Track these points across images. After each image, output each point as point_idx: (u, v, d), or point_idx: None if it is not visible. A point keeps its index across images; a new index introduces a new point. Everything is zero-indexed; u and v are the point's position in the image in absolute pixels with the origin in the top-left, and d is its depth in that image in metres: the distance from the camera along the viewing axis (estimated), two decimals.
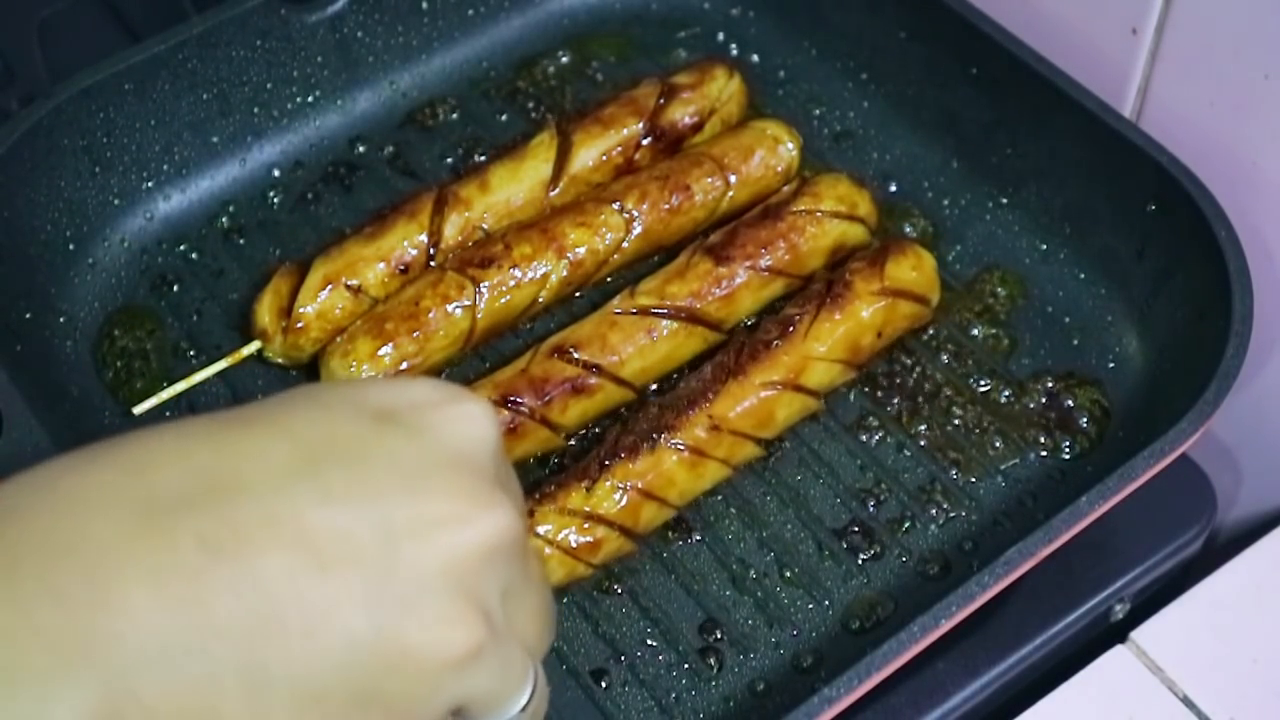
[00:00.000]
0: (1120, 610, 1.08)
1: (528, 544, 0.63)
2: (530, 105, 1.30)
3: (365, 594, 0.55)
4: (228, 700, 0.53)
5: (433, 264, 1.12)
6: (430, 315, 1.07)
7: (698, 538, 1.04)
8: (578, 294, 1.15)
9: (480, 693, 0.59)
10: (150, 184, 1.23)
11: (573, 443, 1.08)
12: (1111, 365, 1.12)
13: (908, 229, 1.20)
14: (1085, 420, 1.09)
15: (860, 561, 1.03)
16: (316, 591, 0.54)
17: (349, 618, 0.55)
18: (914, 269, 1.09)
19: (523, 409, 1.03)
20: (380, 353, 1.05)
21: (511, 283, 1.09)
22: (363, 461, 0.58)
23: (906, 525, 1.05)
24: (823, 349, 1.05)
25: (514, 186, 1.16)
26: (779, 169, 1.18)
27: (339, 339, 1.08)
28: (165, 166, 1.23)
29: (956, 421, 1.09)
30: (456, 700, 0.58)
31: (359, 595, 0.55)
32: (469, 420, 0.62)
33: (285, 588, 0.54)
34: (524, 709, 0.62)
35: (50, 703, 0.50)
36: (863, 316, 1.07)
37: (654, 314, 1.07)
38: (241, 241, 1.22)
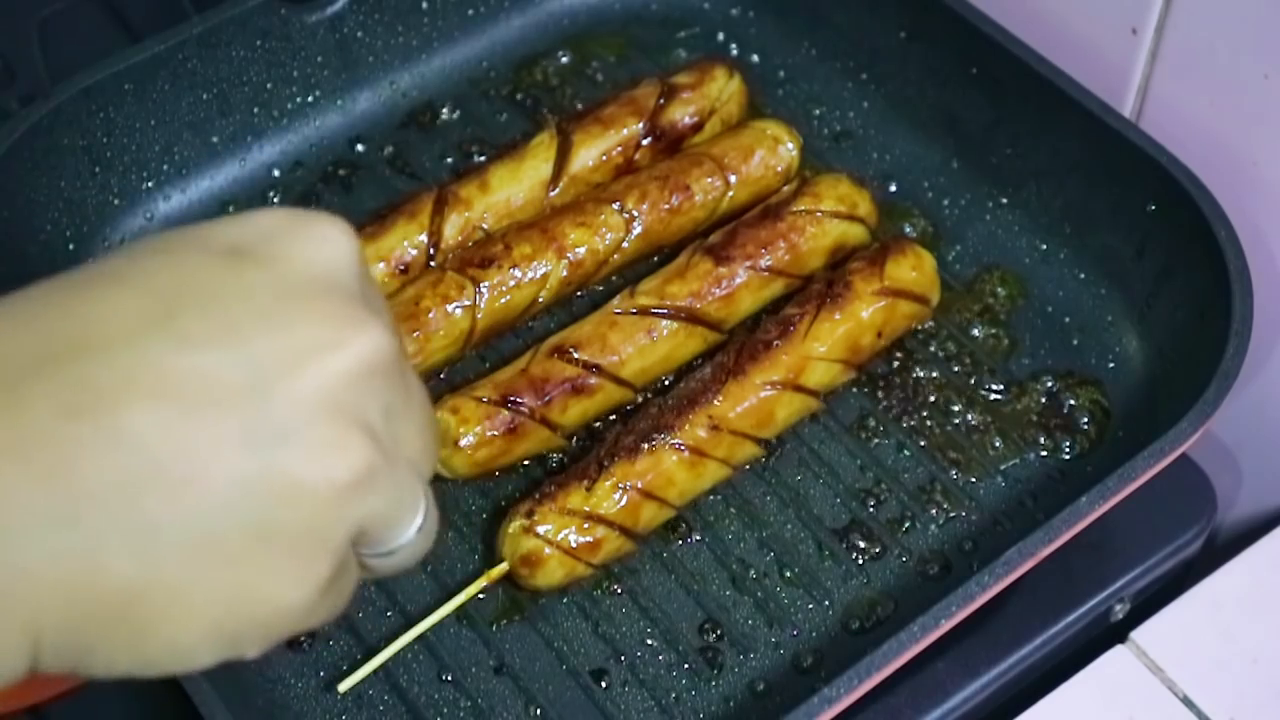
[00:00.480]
0: (1120, 610, 1.08)
1: (404, 361, 0.61)
2: (530, 105, 1.30)
3: (242, 433, 0.54)
4: (117, 560, 0.52)
5: (433, 264, 1.12)
6: (430, 315, 1.07)
7: (698, 538, 1.04)
8: (578, 294, 1.15)
9: (376, 516, 0.58)
10: (150, 184, 1.23)
11: (573, 442, 1.08)
12: (1111, 365, 1.12)
13: (908, 229, 1.20)
14: (1085, 420, 1.09)
15: (860, 561, 1.03)
16: (190, 438, 0.53)
17: (229, 458, 0.54)
18: (914, 269, 1.09)
19: (523, 409, 1.03)
20: None
21: (511, 283, 1.09)
22: (217, 301, 0.56)
23: (906, 525, 1.05)
24: (823, 349, 1.05)
25: (514, 186, 1.16)
26: (779, 169, 1.18)
27: None
28: (165, 166, 1.23)
29: (956, 421, 1.09)
30: (355, 525, 0.58)
31: (235, 435, 0.54)
32: (323, 242, 0.60)
33: (156, 439, 0.53)
34: (419, 530, 0.62)
35: None
36: (863, 316, 1.07)
37: (654, 314, 1.07)
38: None
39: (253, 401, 0.54)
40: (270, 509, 0.55)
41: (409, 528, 0.61)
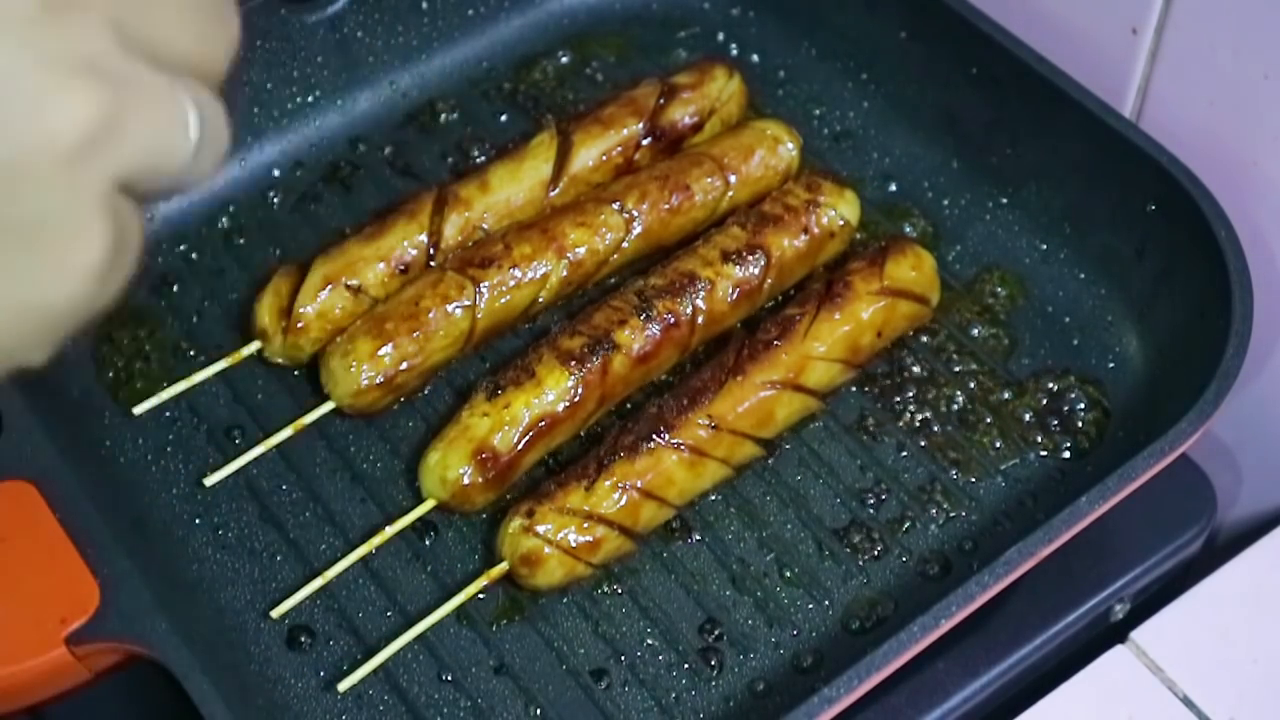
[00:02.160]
0: (1120, 610, 1.08)
1: None
2: (530, 105, 1.30)
3: None
4: None
5: (433, 264, 1.12)
6: (430, 315, 1.07)
7: (698, 538, 1.04)
8: (578, 293, 1.15)
9: (137, 153, 0.49)
10: None
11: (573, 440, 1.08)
12: (1111, 365, 1.12)
13: (908, 229, 1.20)
14: (1085, 420, 1.09)
15: (860, 561, 1.03)
16: None
17: None
18: (914, 269, 1.09)
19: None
20: (380, 352, 1.05)
21: (511, 283, 1.09)
22: None
23: (906, 525, 1.05)
24: (823, 349, 1.05)
25: (514, 186, 1.16)
26: (779, 169, 1.18)
27: (339, 339, 1.08)
28: None
29: (956, 422, 1.09)
30: (112, 176, 0.48)
31: None
32: None
33: None
34: (196, 140, 0.52)
35: None
36: (862, 316, 1.07)
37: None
38: (241, 242, 1.22)
39: None
40: (14, 196, 0.46)
41: (182, 146, 0.51)
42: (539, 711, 0.97)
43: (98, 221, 0.48)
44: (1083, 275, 1.17)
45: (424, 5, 1.31)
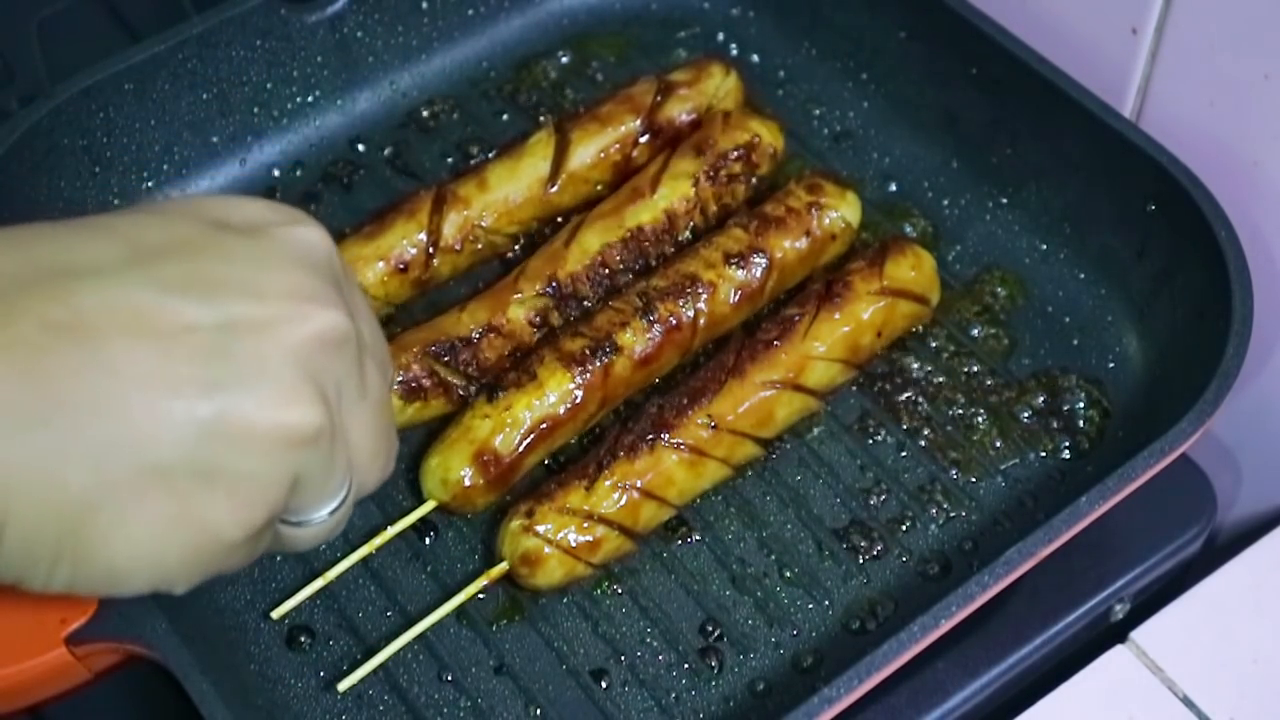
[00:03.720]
0: (1120, 610, 1.08)
1: (362, 354, 0.67)
2: (530, 105, 1.30)
3: (206, 376, 0.59)
4: (76, 471, 0.57)
5: (434, 262, 1.12)
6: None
7: (698, 538, 1.04)
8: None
9: (309, 479, 0.64)
10: (150, 184, 1.23)
11: (573, 441, 1.08)
12: (1111, 365, 1.12)
13: (908, 229, 1.20)
14: (1085, 420, 1.09)
15: (860, 561, 1.03)
16: (157, 373, 0.58)
17: (190, 397, 0.59)
18: (913, 269, 1.09)
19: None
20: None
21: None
22: (200, 257, 0.62)
23: (906, 525, 1.05)
24: (822, 348, 1.05)
25: (512, 185, 1.16)
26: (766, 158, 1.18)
27: None
28: (165, 166, 1.23)
29: (956, 421, 1.09)
30: (292, 480, 0.63)
31: (199, 377, 0.59)
32: (305, 230, 0.67)
33: (127, 367, 0.58)
34: (332, 512, 0.68)
35: None
36: (862, 316, 1.07)
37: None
38: None
39: (220, 350, 0.60)
40: (219, 451, 0.60)
41: (329, 504, 0.67)
42: (539, 711, 0.97)
43: (271, 498, 0.63)
44: (1083, 275, 1.17)
45: (424, 5, 1.31)
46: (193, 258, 0.62)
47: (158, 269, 0.60)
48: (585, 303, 1.10)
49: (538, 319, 1.09)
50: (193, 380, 0.59)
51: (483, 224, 1.14)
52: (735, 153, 1.15)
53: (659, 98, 1.20)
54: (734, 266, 1.09)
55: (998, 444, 1.08)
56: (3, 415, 0.55)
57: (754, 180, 1.17)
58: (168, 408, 0.58)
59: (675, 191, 1.13)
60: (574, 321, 1.08)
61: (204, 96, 1.23)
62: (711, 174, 1.14)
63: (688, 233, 1.14)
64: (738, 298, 1.09)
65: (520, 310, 1.08)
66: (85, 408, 0.57)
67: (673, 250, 1.13)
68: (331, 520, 0.70)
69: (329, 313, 0.64)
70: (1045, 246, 1.19)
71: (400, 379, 1.04)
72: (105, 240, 0.61)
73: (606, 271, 1.10)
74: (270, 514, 0.64)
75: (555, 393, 1.02)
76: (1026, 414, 1.10)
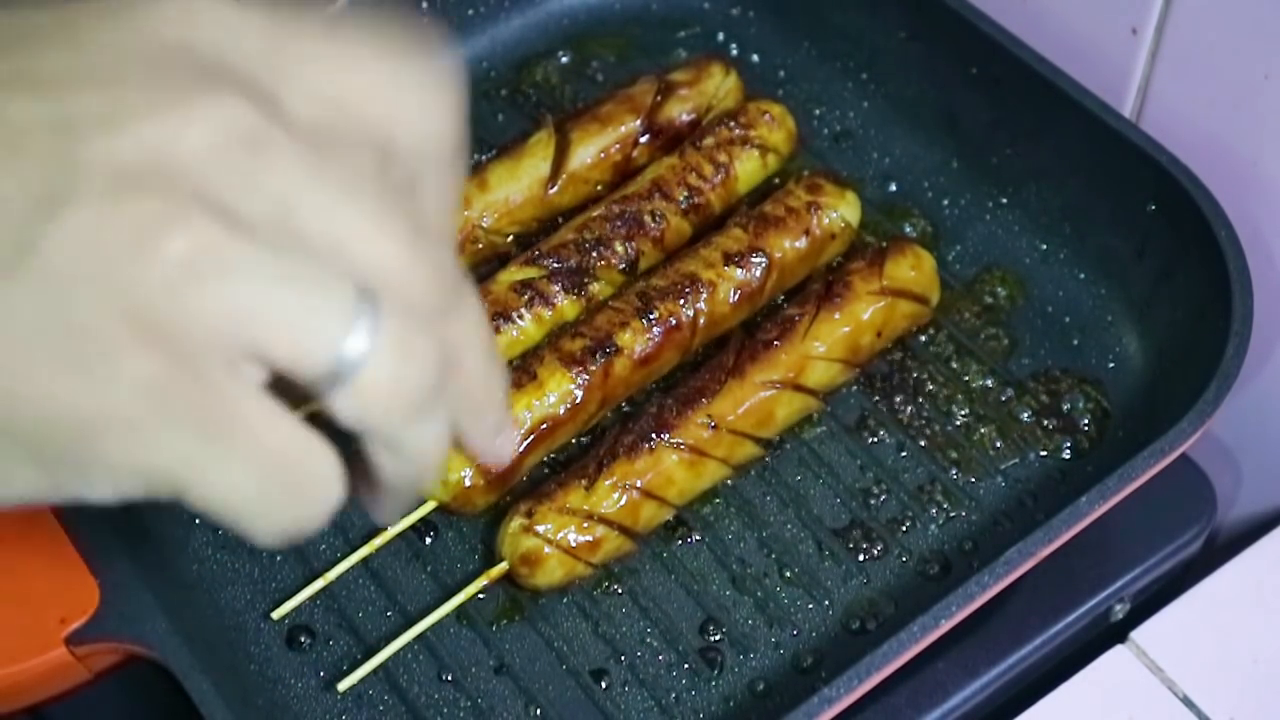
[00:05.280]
0: (1120, 610, 1.08)
1: (296, 140, 0.49)
2: (530, 105, 1.30)
3: (42, 192, 0.45)
4: None
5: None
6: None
7: (698, 538, 1.04)
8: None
9: (260, 318, 0.47)
10: None
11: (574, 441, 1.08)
12: (1111, 365, 1.12)
13: (908, 229, 1.20)
14: (1085, 420, 1.09)
15: (860, 561, 1.03)
16: None
17: (19, 218, 0.45)
18: (913, 269, 1.09)
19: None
20: None
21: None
22: (33, 46, 0.48)
23: (906, 525, 1.05)
24: (822, 348, 1.05)
25: (512, 185, 1.16)
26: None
27: None
28: None
29: (957, 421, 1.09)
30: (216, 326, 0.46)
31: (35, 192, 0.45)
32: (189, 16, 0.50)
33: None
34: (369, 334, 0.48)
35: None
36: (862, 316, 1.07)
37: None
38: None
39: (55, 159, 0.46)
40: (66, 282, 0.45)
41: (326, 334, 0.48)
42: (539, 711, 0.97)
43: (148, 346, 0.46)
44: (1083, 275, 1.17)
45: (424, 5, 1.31)
46: (24, 46, 0.48)
47: None
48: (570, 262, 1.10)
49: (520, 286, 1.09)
50: (19, 197, 0.45)
51: (483, 224, 1.14)
52: (732, 122, 1.17)
53: (659, 98, 1.20)
54: (734, 266, 1.09)
55: (998, 444, 1.08)
56: None
57: (762, 151, 1.17)
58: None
59: (663, 164, 1.15)
60: (574, 322, 1.08)
61: None
62: (699, 142, 1.15)
63: (684, 195, 1.14)
64: (737, 297, 1.09)
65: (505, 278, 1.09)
66: None
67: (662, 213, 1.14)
68: (389, 354, 0.49)
69: (213, 98, 0.47)
70: (1045, 246, 1.19)
71: None
72: None
73: (592, 235, 1.11)
74: (170, 365, 0.46)
75: (555, 393, 1.02)
76: (1026, 414, 1.10)
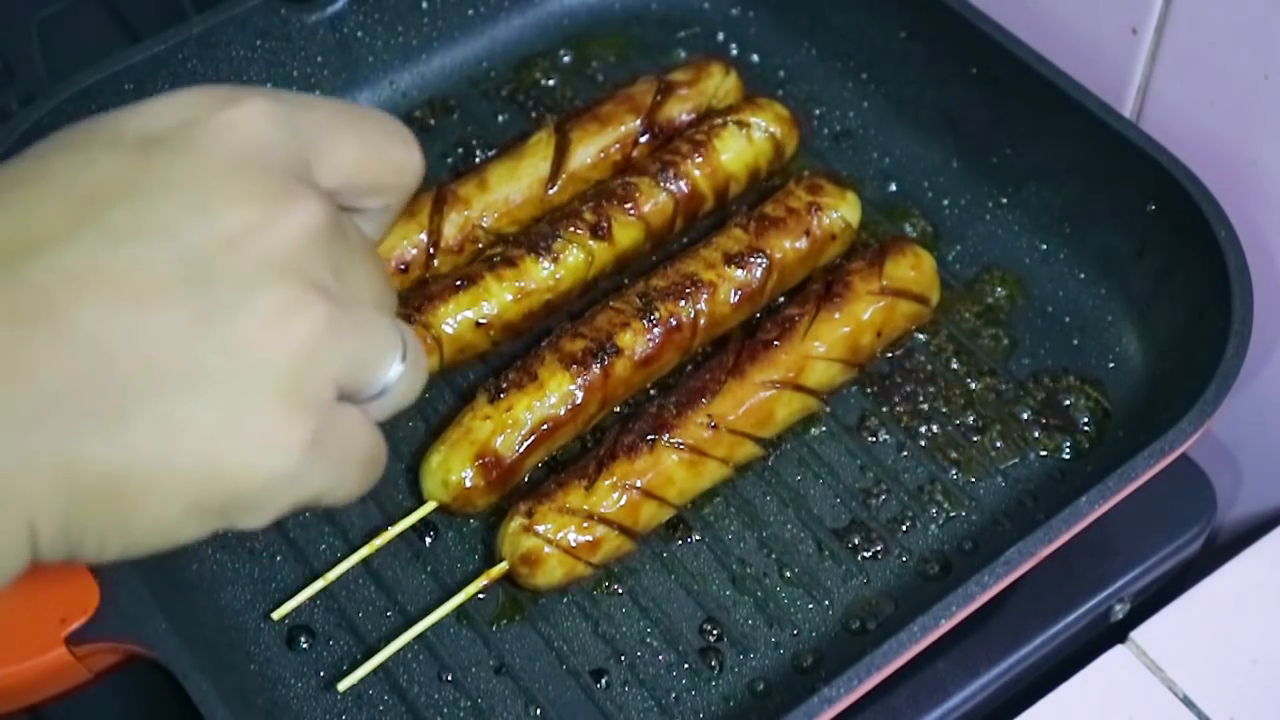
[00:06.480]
0: (1120, 610, 1.08)
1: (342, 221, 0.62)
2: (530, 105, 1.30)
3: (191, 315, 0.55)
4: (90, 449, 0.54)
5: (435, 262, 1.12)
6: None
7: (698, 538, 1.04)
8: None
9: (352, 363, 0.60)
10: None
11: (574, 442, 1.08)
12: (1111, 365, 1.12)
13: (908, 229, 1.20)
14: (1085, 420, 1.09)
15: (860, 561, 1.03)
16: (139, 328, 0.54)
17: (182, 340, 0.55)
18: (913, 268, 1.09)
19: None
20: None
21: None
22: (141, 195, 0.56)
23: (906, 525, 1.05)
24: (822, 348, 1.05)
25: (512, 185, 1.16)
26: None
27: None
28: None
29: (957, 421, 1.09)
30: (330, 379, 0.59)
31: (184, 318, 0.55)
32: (240, 121, 0.60)
33: (106, 334, 0.53)
34: (403, 361, 0.63)
35: None
36: (862, 316, 1.07)
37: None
38: None
39: (196, 285, 0.55)
40: (234, 381, 0.55)
41: (390, 364, 0.63)
42: (539, 711, 0.97)
43: (310, 411, 0.58)
44: (1083, 275, 1.17)
45: (424, 5, 1.31)
46: (131, 196, 0.56)
47: (103, 220, 0.55)
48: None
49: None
50: (177, 324, 0.54)
51: (483, 224, 1.14)
52: (718, 117, 1.17)
53: (659, 98, 1.20)
54: (734, 266, 1.09)
55: (998, 444, 1.08)
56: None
57: (741, 125, 1.17)
58: (160, 359, 0.54)
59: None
60: (575, 321, 1.08)
61: None
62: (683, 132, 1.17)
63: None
64: (738, 298, 1.09)
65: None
66: (76, 390, 0.53)
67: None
68: (410, 367, 0.64)
69: (296, 207, 0.58)
70: (1045, 246, 1.19)
71: None
72: (37, 199, 0.55)
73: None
74: (315, 423, 0.58)
75: (556, 393, 1.02)
76: (1026, 414, 1.10)
